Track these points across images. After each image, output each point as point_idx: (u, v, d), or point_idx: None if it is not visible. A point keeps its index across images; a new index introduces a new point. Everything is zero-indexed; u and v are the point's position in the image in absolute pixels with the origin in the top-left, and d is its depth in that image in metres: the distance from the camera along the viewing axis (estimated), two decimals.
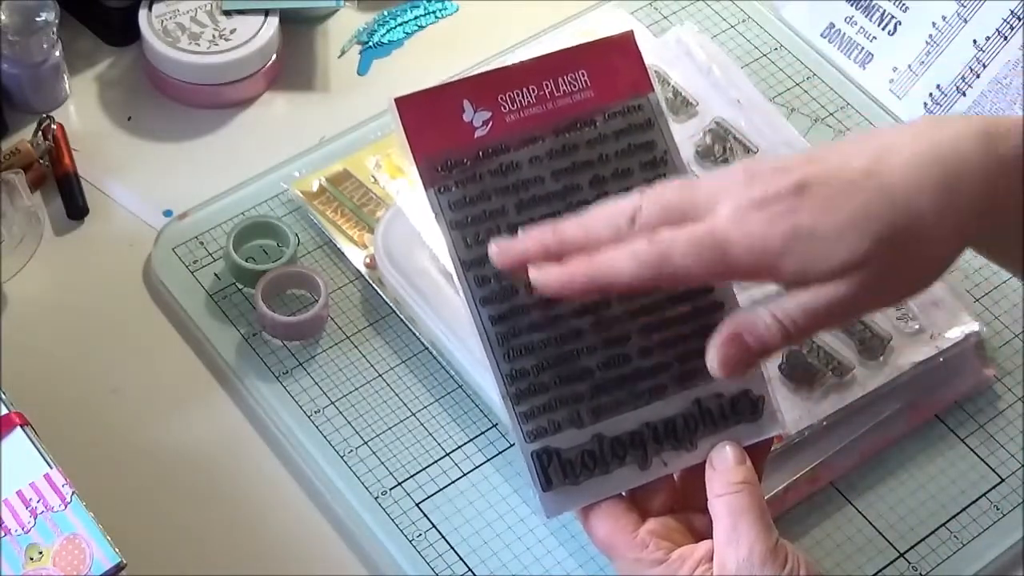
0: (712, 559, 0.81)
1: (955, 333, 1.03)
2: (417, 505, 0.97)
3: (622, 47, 0.88)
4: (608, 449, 0.84)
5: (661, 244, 0.78)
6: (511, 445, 0.99)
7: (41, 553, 0.86)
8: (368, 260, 1.06)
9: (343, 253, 1.07)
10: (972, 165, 0.78)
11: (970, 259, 1.09)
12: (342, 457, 0.99)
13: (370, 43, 1.21)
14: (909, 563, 0.98)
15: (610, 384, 0.85)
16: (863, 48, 1.20)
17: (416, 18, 1.23)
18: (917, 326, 1.03)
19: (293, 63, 1.19)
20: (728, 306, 0.86)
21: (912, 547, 0.99)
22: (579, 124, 0.87)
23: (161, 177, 1.12)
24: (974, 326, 1.04)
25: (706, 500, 0.83)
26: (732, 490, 0.83)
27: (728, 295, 0.86)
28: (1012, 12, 1.14)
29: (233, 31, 1.14)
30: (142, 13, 1.15)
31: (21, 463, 0.89)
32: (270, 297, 1.03)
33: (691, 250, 0.78)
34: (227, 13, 1.15)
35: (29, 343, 1.02)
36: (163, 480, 0.98)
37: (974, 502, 1.01)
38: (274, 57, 1.17)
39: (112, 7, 1.17)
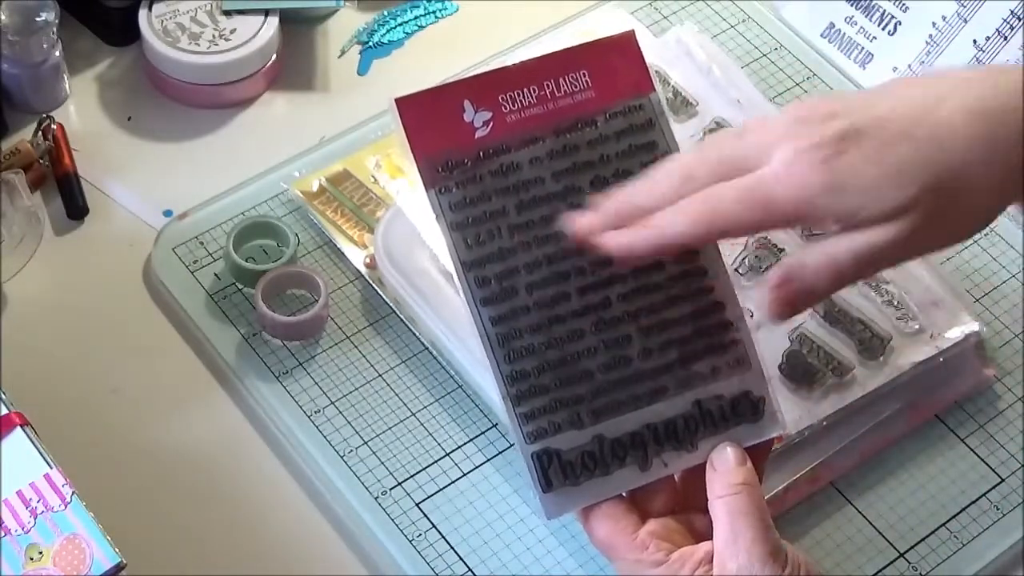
0: (712, 560, 0.82)
1: (955, 333, 1.03)
2: (417, 505, 0.97)
3: (623, 47, 0.88)
4: (608, 450, 0.84)
5: (710, 200, 0.80)
6: (511, 445, 0.99)
7: (41, 553, 0.86)
8: (368, 260, 1.06)
9: (343, 253, 1.07)
10: (1019, 118, 0.79)
11: (970, 259, 1.10)
12: (342, 457, 0.99)
13: (370, 43, 1.21)
14: (909, 563, 0.98)
15: (611, 385, 0.85)
16: (863, 48, 1.20)
17: (416, 18, 1.23)
18: (917, 326, 1.03)
19: (293, 63, 1.19)
20: (729, 306, 0.86)
21: (912, 547, 0.99)
22: (580, 124, 0.87)
23: (161, 177, 1.12)
24: (974, 326, 1.04)
25: (707, 501, 0.84)
26: (732, 491, 0.83)
27: (729, 295, 0.87)
28: (1012, 12, 1.14)
29: (233, 31, 1.14)
30: (142, 13, 1.15)
31: (21, 463, 0.89)
32: (270, 297, 1.03)
33: (739, 203, 0.79)
34: (227, 13, 1.15)
35: (29, 343, 1.02)
36: (163, 480, 0.98)
37: (974, 502, 1.01)
38: (274, 57, 1.17)
39: (112, 7, 1.17)
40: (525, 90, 0.86)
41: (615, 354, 0.85)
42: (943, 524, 1.00)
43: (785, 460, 0.98)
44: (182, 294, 1.05)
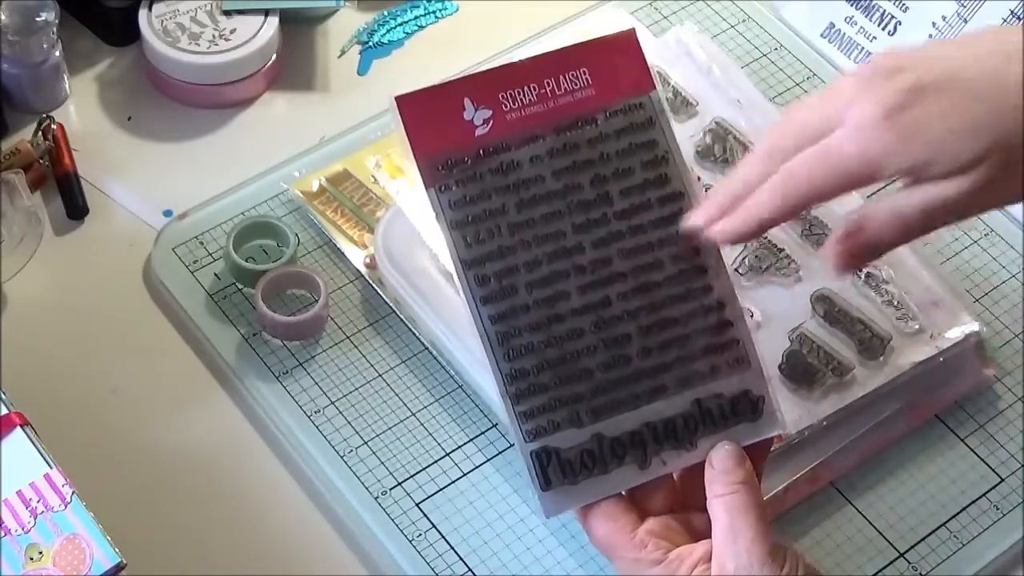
0: (711, 559, 0.81)
1: (955, 333, 1.03)
2: (417, 505, 0.97)
3: (624, 45, 0.88)
4: (607, 449, 0.84)
5: (790, 173, 0.82)
6: (511, 445, 0.99)
7: (41, 553, 0.86)
8: (368, 260, 1.06)
9: (343, 253, 1.07)
10: None
11: (970, 259, 1.10)
12: (342, 457, 0.99)
13: (370, 43, 1.21)
14: (909, 563, 0.98)
15: (610, 384, 0.85)
16: (863, 48, 1.20)
17: (416, 18, 1.23)
18: (917, 326, 1.03)
19: (293, 63, 1.19)
20: (728, 305, 0.86)
21: (912, 547, 0.98)
22: (580, 122, 0.87)
23: (161, 177, 1.12)
24: (974, 326, 1.04)
25: (706, 499, 0.84)
26: (731, 490, 0.83)
27: (728, 294, 0.87)
28: (1012, 12, 1.14)
29: (233, 31, 1.14)
30: (142, 13, 1.15)
31: (21, 463, 0.89)
32: (270, 297, 1.03)
33: (815, 170, 0.81)
34: (227, 13, 1.15)
35: (29, 343, 1.02)
36: (163, 480, 0.98)
37: (974, 502, 1.01)
38: (274, 57, 1.17)
39: (112, 7, 1.17)
40: (525, 88, 0.86)
41: (614, 353, 0.85)
42: (943, 524, 1.00)
43: (785, 460, 0.98)
44: (182, 294, 1.05)
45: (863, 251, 0.83)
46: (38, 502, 0.88)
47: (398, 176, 1.09)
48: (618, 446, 0.85)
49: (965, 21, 1.15)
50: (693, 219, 0.86)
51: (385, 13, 1.23)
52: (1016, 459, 1.02)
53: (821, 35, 1.23)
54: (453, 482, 0.99)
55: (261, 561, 0.95)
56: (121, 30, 1.17)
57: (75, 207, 1.09)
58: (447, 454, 1.00)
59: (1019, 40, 0.81)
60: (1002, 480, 1.02)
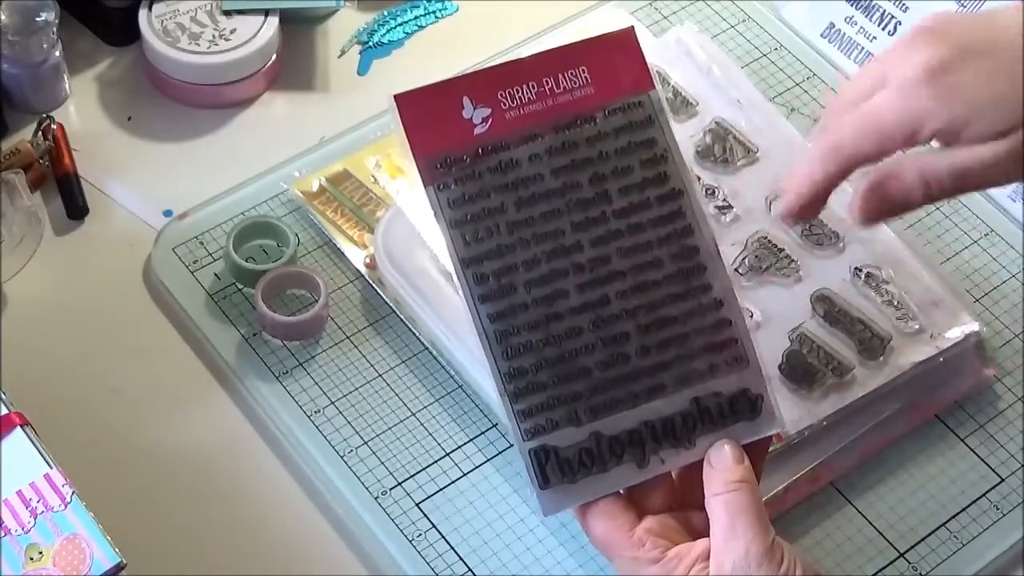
0: (709, 558, 0.81)
1: (955, 333, 1.03)
2: (417, 505, 0.97)
3: (623, 43, 0.88)
4: (606, 447, 0.84)
5: (832, 137, 0.84)
6: (511, 445, 0.99)
7: (41, 553, 0.86)
8: (368, 260, 1.06)
9: (343, 253, 1.07)
10: None
11: (970, 259, 1.10)
12: (342, 457, 0.99)
13: (370, 43, 1.21)
14: (909, 563, 0.98)
15: (609, 383, 0.85)
16: (863, 48, 1.20)
17: (416, 18, 1.23)
18: (917, 326, 1.03)
19: (293, 63, 1.19)
20: (727, 304, 0.86)
21: (912, 547, 0.98)
22: (579, 121, 0.87)
23: (161, 177, 1.12)
24: (974, 326, 1.04)
25: (704, 498, 0.83)
26: (730, 489, 0.83)
27: (727, 293, 0.87)
28: None
29: (233, 31, 1.14)
30: (142, 13, 1.15)
31: (21, 463, 0.89)
32: (270, 297, 1.03)
33: (855, 133, 0.83)
34: (227, 13, 1.15)
35: (29, 343, 1.02)
36: (163, 480, 0.98)
37: (974, 502, 1.01)
38: (274, 57, 1.17)
39: (112, 7, 1.17)
40: (524, 86, 0.86)
41: (613, 351, 0.85)
42: (943, 524, 1.00)
43: (785, 460, 0.98)
44: (182, 294, 1.05)
45: (887, 208, 0.84)
46: (38, 502, 0.88)
47: (398, 176, 1.09)
48: (616, 445, 0.85)
49: None
50: (780, 207, 0.88)
51: (385, 13, 1.23)
52: (1016, 459, 1.02)
53: (821, 35, 1.23)
54: (453, 482, 0.99)
55: (261, 561, 0.95)
56: (121, 30, 1.17)
57: (75, 207, 1.09)
58: (447, 454, 1.00)
59: None
60: (1002, 480, 1.02)
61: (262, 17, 1.15)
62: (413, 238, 1.03)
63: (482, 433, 1.01)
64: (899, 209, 0.84)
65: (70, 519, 0.87)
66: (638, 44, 0.88)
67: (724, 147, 1.10)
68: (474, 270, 0.84)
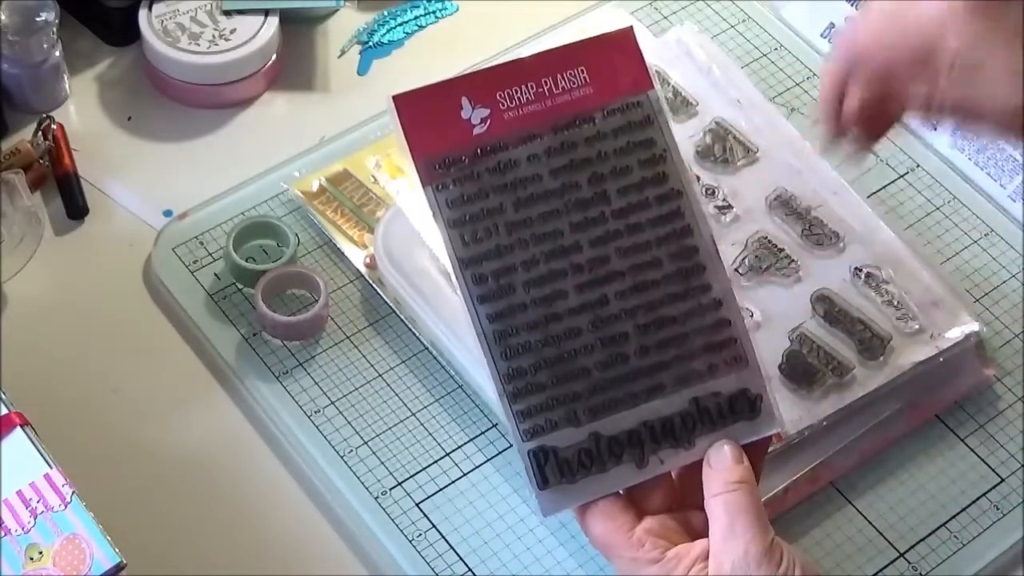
0: (708, 558, 0.81)
1: (955, 333, 1.03)
2: (417, 505, 0.97)
3: (621, 43, 0.88)
4: (605, 448, 0.84)
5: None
6: (511, 445, 0.99)
7: (41, 553, 0.86)
8: (368, 260, 1.06)
9: (343, 253, 1.07)
10: None
11: (970, 259, 1.10)
12: (342, 457, 0.99)
13: (370, 43, 1.21)
14: (909, 563, 0.98)
15: (608, 383, 0.85)
16: None
17: (416, 18, 1.23)
18: (917, 326, 1.03)
19: (293, 63, 1.20)
20: (727, 303, 0.86)
21: (912, 547, 0.98)
22: (578, 121, 0.87)
23: (161, 177, 1.12)
24: (974, 326, 1.04)
25: (704, 498, 0.83)
26: (729, 489, 0.83)
27: (726, 293, 0.87)
28: None
29: (233, 31, 1.15)
30: (142, 13, 1.15)
31: (21, 463, 0.89)
32: (270, 297, 1.03)
33: (835, 55, 0.91)
34: (227, 13, 1.15)
35: (29, 343, 1.02)
36: (163, 480, 0.98)
37: (974, 502, 1.01)
38: (274, 57, 1.17)
39: (112, 7, 1.17)
40: (523, 87, 0.86)
41: (612, 351, 0.85)
42: (943, 524, 1.00)
43: (785, 460, 0.98)
44: (182, 294, 1.05)
45: (887, 109, 0.90)
46: (38, 502, 0.88)
47: (398, 176, 1.09)
48: (616, 445, 0.85)
49: None
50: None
51: (385, 13, 1.23)
52: (1016, 459, 1.02)
53: (821, 35, 1.23)
54: (453, 482, 0.99)
55: (261, 561, 0.95)
56: (121, 30, 1.18)
57: (75, 207, 1.09)
58: (447, 454, 1.00)
59: None
60: (1002, 480, 1.02)
61: (262, 17, 1.15)
62: (413, 238, 1.03)
63: (482, 433, 1.01)
64: (895, 112, 0.89)
65: (70, 519, 0.88)
66: (637, 44, 0.88)
67: (724, 147, 1.10)
68: (473, 270, 0.84)
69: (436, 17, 1.24)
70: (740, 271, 1.04)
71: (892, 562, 0.98)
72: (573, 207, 0.85)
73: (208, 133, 1.15)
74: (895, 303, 1.04)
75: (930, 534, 0.99)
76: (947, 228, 1.13)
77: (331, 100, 1.18)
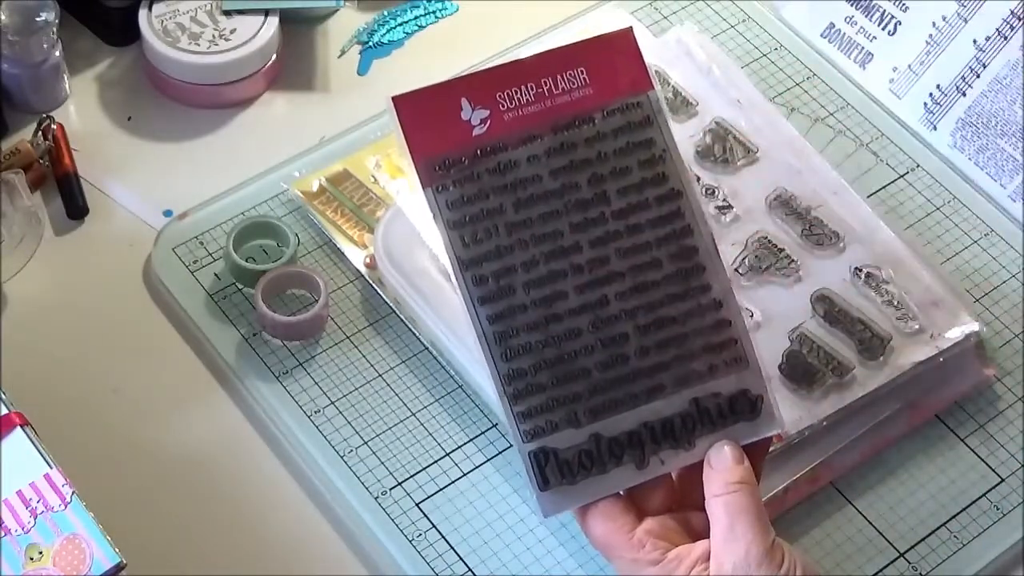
0: (709, 559, 0.82)
1: (955, 333, 1.03)
2: (417, 505, 0.97)
3: (621, 44, 0.88)
4: (605, 449, 0.84)
5: None
6: (511, 445, 0.99)
7: (41, 553, 0.86)
8: (368, 260, 1.06)
9: (343, 253, 1.07)
10: None
11: (970, 259, 1.10)
12: (342, 457, 0.99)
13: (370, 43, 1.21)
14: (909, 563, 0.98)
15: (608, 384, 0.85)
16: (863, 48, 1.20)
17: (416, 18, 1.23)
18: (917, 326, 1.03)
19: (293, 63, 1.19)
20: (727, 304, 0.86)
21: (912, 547, 0.98)
22: (578, 122, 0.87)
23: (161, 177, 1.12)
24: (974, 326, 1.04)
25: (704, 499, 0.83)
26: (730, 490, 0.83)
27: (727, 293, 0.87)
28: (1012, 12, 1.13)
29: (233, 31, 1.14)
30: (142, 13, 1.15)
31: (21, 463, 0.89)
32: (270, 297, 1.03)
33: None
34: (227, 13, 1.15)
35: (29, 343, 1.02)
36: (163, 480, 0.98)
37: (974, 502, 1.01)
38: (274, 57, 1.17)
39: (112, 7, 1.17)
40: (523, 88, 0.86)
41: (612, 352, 0.85)
42: (943, 524, 1.00)
43: (785, 460, 0.98)
44: (182, 294, 1.05)
45: None
46: (38, 502, 0.88)
47: (398, 176, 1.09)
48: (616, 446, 0.85)
49: (965, 21, 1.15)
50: None
51: (385, 13, 1.23)
52: (1016, 459, 1.02)
53: (821, 35, 1.23)
54: (453, 482, 0.99)
55: (261, 561, 0.95)
56: (121, 30, 1.17)
57: (75, 207, 1.09)
58: (447, 454, 1.00)
59: None
60: (1002, 480, 1.02)
61: (262, 17, 1.15)
62: (413, 238, 1.03)
63: (482, 433, 1.01)
64: None
65: (70, 519, 0.87)
66: (636, 44, 0.88)
67: (724, 147, 1.10)
68: (473, 272, 0.84)
69: (436, 17, 1.24)
70: (740, 271, 1.04)
71: (892, 562, 0.98)
72: (573, 208, 0.85)
73: (208, 133, 1.15)
74: (895, 303, 1.04)
75: (930, 534, 0.99)
76: (947, 228, 1.13)
77: (331, 100, 1.18)
